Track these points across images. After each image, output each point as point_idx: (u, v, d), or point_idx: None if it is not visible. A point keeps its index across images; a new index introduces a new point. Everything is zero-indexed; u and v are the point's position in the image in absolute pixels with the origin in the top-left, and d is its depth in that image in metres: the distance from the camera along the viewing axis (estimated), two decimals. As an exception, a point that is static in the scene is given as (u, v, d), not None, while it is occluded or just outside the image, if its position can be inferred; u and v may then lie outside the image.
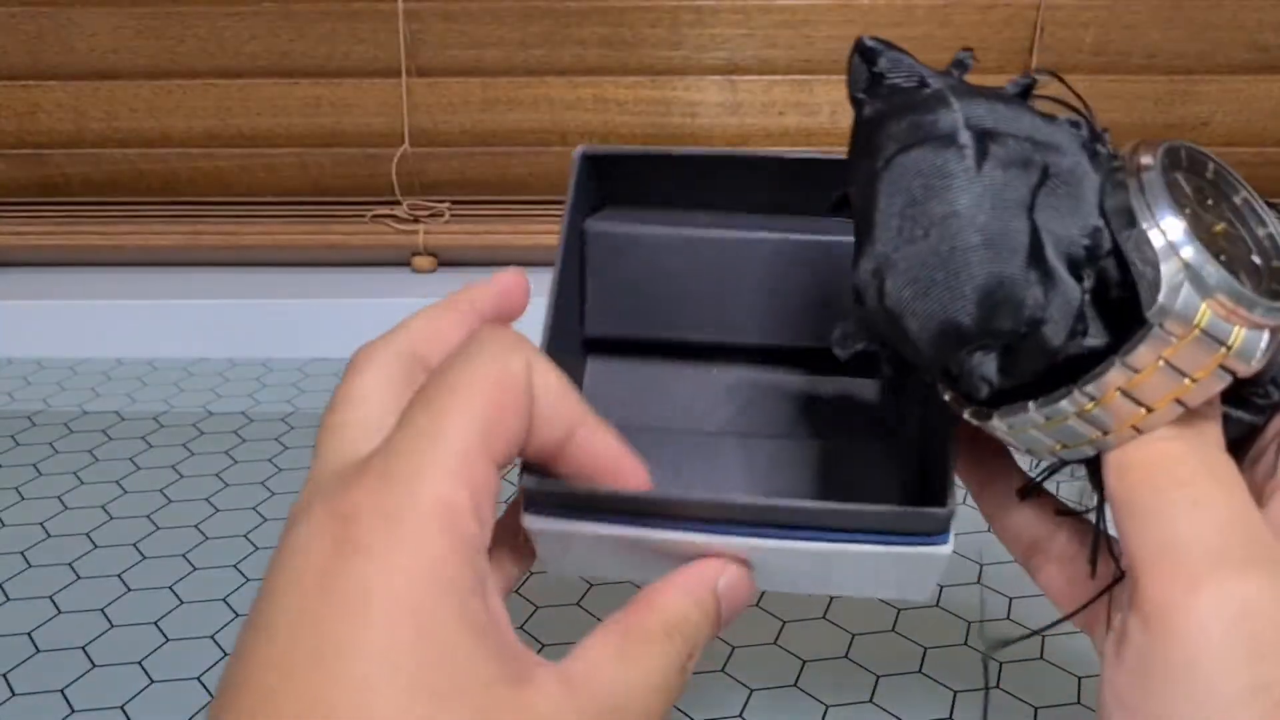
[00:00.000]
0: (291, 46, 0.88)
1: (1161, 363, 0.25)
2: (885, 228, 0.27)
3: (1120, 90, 0.86)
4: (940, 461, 0.33)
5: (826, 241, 0.41)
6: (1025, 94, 0.30)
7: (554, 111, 0.89)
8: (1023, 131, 0.27)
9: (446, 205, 0.92)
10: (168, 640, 0.53)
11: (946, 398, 0.30)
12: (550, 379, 0.29)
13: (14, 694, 0.50)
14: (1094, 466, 0.30)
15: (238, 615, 0.55)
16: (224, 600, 0.56)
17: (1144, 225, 0.26)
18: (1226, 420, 0.29)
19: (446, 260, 0.95)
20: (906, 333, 0.27)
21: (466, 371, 0.27)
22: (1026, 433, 0.29)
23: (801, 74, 0.87)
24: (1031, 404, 0.28)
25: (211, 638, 0.53)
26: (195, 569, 0.59)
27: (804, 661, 0.50)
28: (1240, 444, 0.30)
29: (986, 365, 0.27)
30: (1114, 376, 0.26)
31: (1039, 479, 0.34)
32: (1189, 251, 0.25)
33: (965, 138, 0.27)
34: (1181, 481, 0.26)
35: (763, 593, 0.56)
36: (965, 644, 0.51)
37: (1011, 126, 0.27)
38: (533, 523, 0.32)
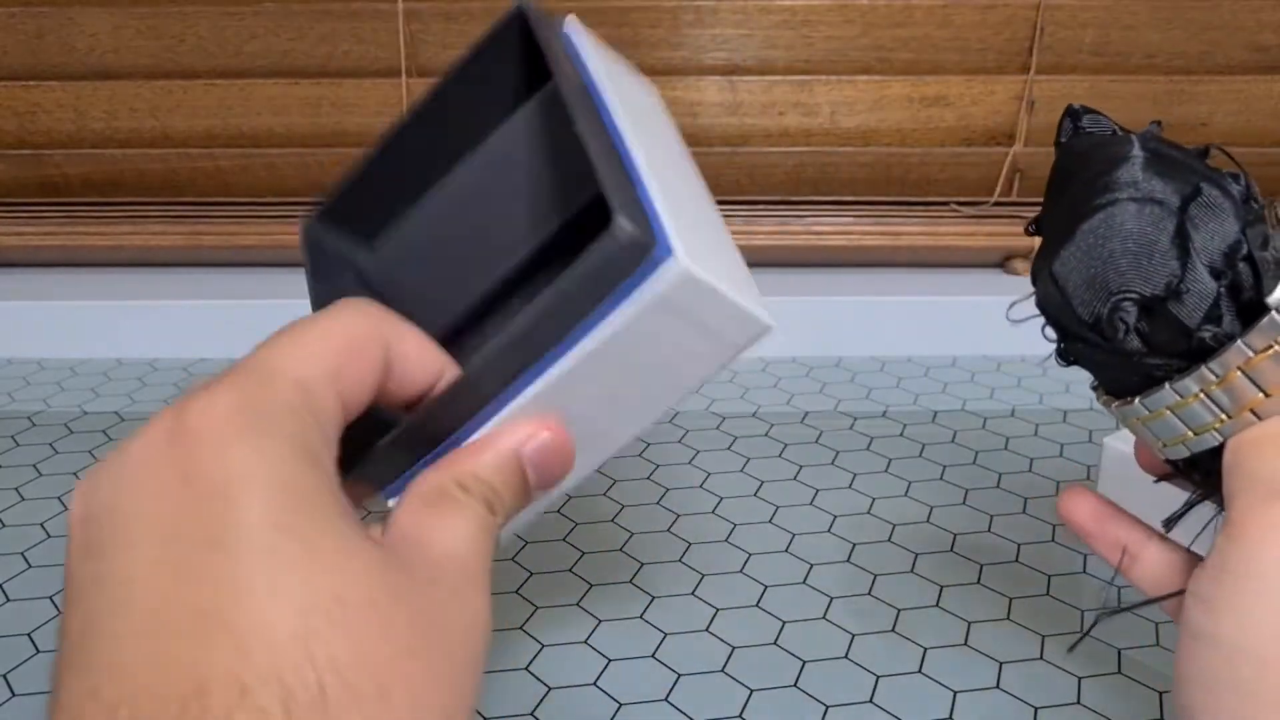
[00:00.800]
0: (292, 46, 0.89)
1: (1278, 346, 0.30)
2: (1061, 219, 0.33)
3: (1120, 90, 0.86)
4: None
5: (534, 104, 0.40)
6: (1203, 155, 0.34)
7: (554, 112, 0.89)
8: (1186, 160, 0.33)
9: (446, 205, 0.92)
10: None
11: (1099, 399, 0.35)
12: (408, 338, 0.30)
13: (14, 694, 0.50)
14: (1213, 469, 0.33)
15: (238, 615, 0.55)
16: (224, 600, 0.56)
17: (1276, 244, 0.31)
18: None
19: (446, 260, 0.95)
20: (1066, 293, 0.33)
21: (321, 321, 0.28)
22: (1162, 418, 0.33)
23: (801, 74, 0.87)
24: (1167, 384, 0.32)
25: (211, 638, 0.53)
26: (195, 569, 0.59)
27: (804, 662, 0.50)
28: None
29: (1127, 311, 0.32)
30: (1234, 355, 0.30)
31: (1182, 511, 0.37)
32: None
33: (1137, 150, 0.33)
34: None
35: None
36: (965, 644, 0.51)
37: (1178, 154, 0.33)
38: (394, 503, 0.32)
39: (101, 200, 0.93)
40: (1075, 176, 0.34)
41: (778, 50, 0.87)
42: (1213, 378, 0.31)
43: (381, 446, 0.30)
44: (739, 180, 0.91)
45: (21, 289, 0.91)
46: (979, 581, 0.56)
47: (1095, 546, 0.38)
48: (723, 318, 0.31)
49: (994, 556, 0.58)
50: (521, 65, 0.42)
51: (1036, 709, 0.47)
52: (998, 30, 0.86)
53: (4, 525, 0.63)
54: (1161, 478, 0.38)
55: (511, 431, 0.30)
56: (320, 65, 0.89)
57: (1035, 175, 0.89)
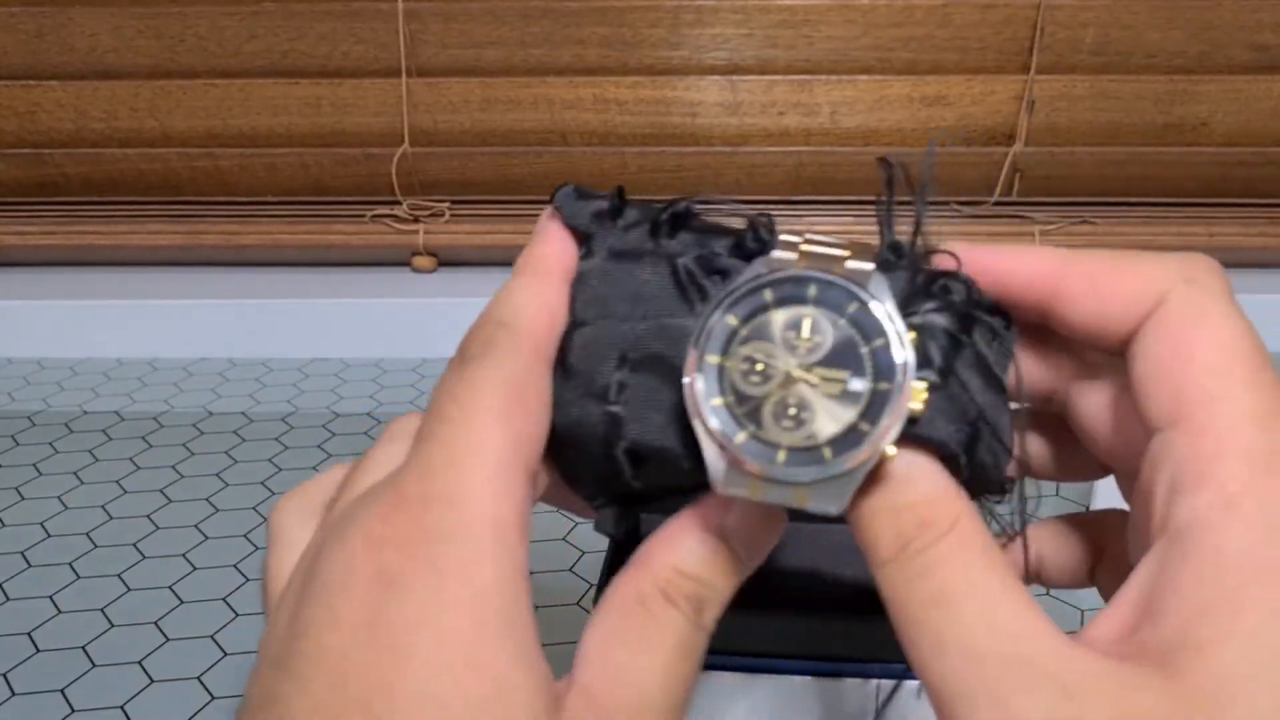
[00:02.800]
0: (292, 46, 0.88)
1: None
2: None
3: (1120, 90, 0.86)
4: None
5: None
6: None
7: (554, 111, 0.89)
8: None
9: (446, 205, 0.92)
10: (168, 640, 0.53)
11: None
12: (560, 325, 0.28)
13: (14, 694, 0.49)
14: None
15: (237, 615, 0.55)
16: (224, 600, 0.56)
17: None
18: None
19: (446, 260, 0.95)
20: None
21: (480, 375, 0.25)
22: None
23: (802, 74, 0.87)
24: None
25: (211, 637, 0.53)
26: (195, 569, 0.59)
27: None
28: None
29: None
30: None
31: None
32: None
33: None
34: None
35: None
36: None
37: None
38: None
39: (101, 199, 0.93)
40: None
41: (778, 50, 0.87)
42: None
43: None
44: (739, 180, 0.90)
45: (21, 288, 0.91)
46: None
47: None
48: None
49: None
50: None
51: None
52: (998, 30, 0.86)
53: (4, 525, 0.63)
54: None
55: (707, 505, 0.26)
56: (320, 65, 0.89)
57: (1035, 175, 0.89)
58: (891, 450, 0.24)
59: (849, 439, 0.24)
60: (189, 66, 0.89)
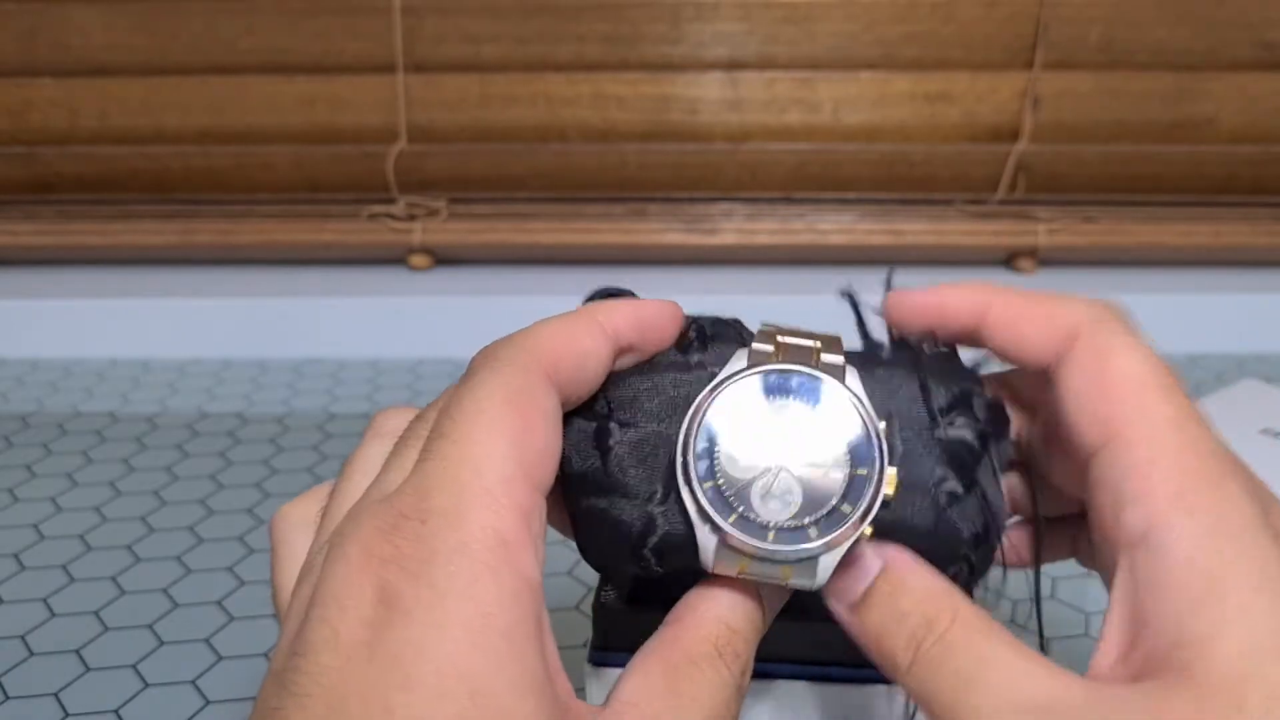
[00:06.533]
0: (286, 42, 0.88)
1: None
2: None
3: (1126, 87, 0.86)
4: None
5: None
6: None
7: (552, 108, 0.88)
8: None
9: (443, 203, 0.91)
10: (162, 643, 0.53)
11: None
12: (585, 361, 0.28)
13: (8, 698, 0.49)
14: None
15: (232, 618, 0.55)
16: (219, 603, 0.56)
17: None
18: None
19: (443, 258, 0.94)
20: None
21: (481, 388, 0.25)
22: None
23: (804, 70, 0.86)
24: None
25: (206, 641, 0.53)
26: (190, 571, 0.58)
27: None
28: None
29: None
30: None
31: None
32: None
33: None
34: None
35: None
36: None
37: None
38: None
39: (94, 198, 0.92)
40: None
41: (780, 46, 0.86)
42: None
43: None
44: (740, 177, 0.90)
45: (14, 288, 0.90)
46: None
47: None
48: None
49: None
50: None
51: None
52: (1002, 26, 0.85)
53: (-5, 527, 0.63)
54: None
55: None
56: (315, 61, 0.88)
57: (1040, 173, 0.88)
58: (868, 530, 0.27)
59: (832, 519, 0.27)
60: (183, 63, 0.89)
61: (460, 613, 0.22)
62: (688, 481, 0.27)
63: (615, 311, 0.29)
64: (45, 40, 0.88)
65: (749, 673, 0.27)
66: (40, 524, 0.63)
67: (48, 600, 0.56)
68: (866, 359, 0.31)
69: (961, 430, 0.29)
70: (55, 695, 0.49)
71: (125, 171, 0.91)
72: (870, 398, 0.28)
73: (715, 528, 0.27)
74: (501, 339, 0.27)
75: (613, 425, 0.29)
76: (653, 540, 0.28)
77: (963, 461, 0.29)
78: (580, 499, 0.29)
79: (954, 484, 0.29)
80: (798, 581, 0.27)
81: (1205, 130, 0.87)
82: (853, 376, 0.29)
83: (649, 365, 0.30)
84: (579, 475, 0.29)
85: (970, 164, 0.89)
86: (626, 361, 0.30)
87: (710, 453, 0.27)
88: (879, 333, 0.32)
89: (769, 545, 0.26)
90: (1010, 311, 0.30)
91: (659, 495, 0.28)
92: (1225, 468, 0.26)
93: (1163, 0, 0.84)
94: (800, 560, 0.27)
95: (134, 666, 0.51)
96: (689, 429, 0.27)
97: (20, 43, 0.88)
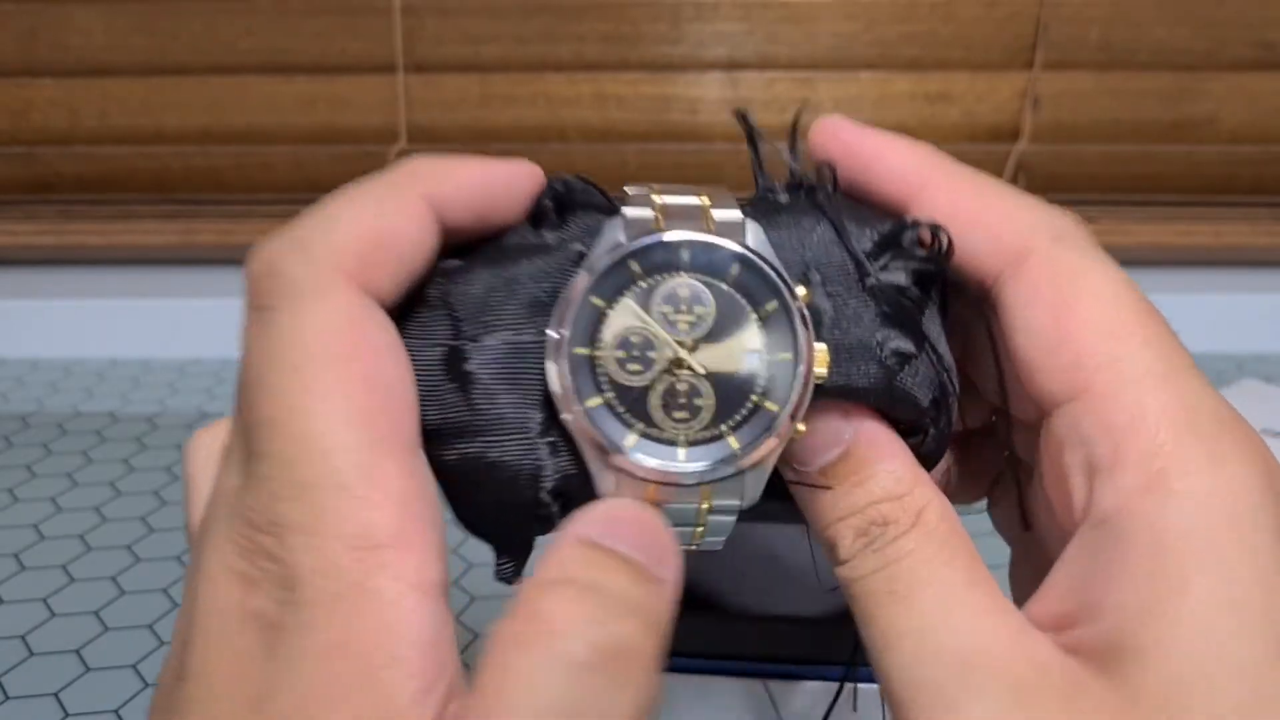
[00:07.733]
0: (287, 43, 0.88)
1: None
2: None
3: (1126, 87, 0.86)
4: None
5: None
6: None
7: (552, 108, 0.88)
8: None
9: (444, 203, 0.91)
10: (162, 644, 0.53)
11: None
12: (402, 253, 0.22)
13: (8, 697, 0.49)
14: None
15: (234, 618, 0.54)
16: (220, 603, 0.56)
17: None
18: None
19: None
20: None
21: (293, 335, 0.21)
22: None
23: (803, 70, 0.86)
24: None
25: (208, 641, 0.53)
26: (191, 571, 0.58)
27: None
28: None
29: None
30: None
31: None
32: None
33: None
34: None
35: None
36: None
37: None
38: None
39: (95, 198, 0.92)
40: None
41: (780, 46, 0.86)
42: None
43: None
44: (740, 177, 0.90)
45: (14, 288, 0.90)
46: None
47: None
48: None
49: (997, 558, 0.58)
50: None
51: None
52: (1002, 26, 0.85)
53: (-4, 527, 0.63)
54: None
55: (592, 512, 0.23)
56: (315, 61, 0.88)
57: (1040, 172, 0.88)
58: (801, 427, 0.22)
59: (755, 420, 0.22)
60: (183, 63, 0.89)
61: (331, 639, 0.19)
62: (567, 402, 0.22)
63: (445, 177, 0.24)
64: (45, 40, 0.88)
65: (606, 629, 0.20)
66: (40, 524, 0.63)
67: (48, 600, 0.56)
68: (763, 205, 0.24)
69: (896, 274, 0.23)
70: (55, 695, 0.49)
71: (125, 171, 0.91)
72: (780, 252, 0.23)
73: (609, 453, 0.22)
74: (284, 237, 0.22)
75: (465, 344, 0.23)
76: (548, 482, 0.23)
77: (905, 312, 0.23)
78: (441, 450, 0.23)
79: (901, 342, 0.23)
80: (721, 502, 0.22)
81: (1205, 130, 0.87)
82: (754, 232, 0.23)
83: (496, 251, 0.24)
84: (434, 420, 0.23)
85: (970, 164, 0.88)
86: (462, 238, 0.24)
87: (589, 360, 0.22)
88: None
89: (679, 466, 0.22)
90: (949, 200, 0.24)
91: (542, 422, 0.22)
92: (1224, 434, 0.21)
93: (1163, 0, 0.84)
94: (721, 479, 0.22)
95: (134, 666, 0.51)
96: (561, 333, 0.22)
97: (20, 43, 0.88)
